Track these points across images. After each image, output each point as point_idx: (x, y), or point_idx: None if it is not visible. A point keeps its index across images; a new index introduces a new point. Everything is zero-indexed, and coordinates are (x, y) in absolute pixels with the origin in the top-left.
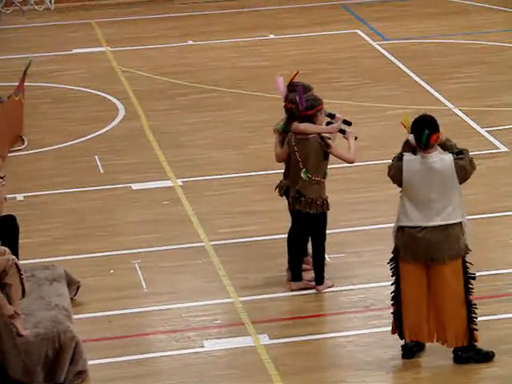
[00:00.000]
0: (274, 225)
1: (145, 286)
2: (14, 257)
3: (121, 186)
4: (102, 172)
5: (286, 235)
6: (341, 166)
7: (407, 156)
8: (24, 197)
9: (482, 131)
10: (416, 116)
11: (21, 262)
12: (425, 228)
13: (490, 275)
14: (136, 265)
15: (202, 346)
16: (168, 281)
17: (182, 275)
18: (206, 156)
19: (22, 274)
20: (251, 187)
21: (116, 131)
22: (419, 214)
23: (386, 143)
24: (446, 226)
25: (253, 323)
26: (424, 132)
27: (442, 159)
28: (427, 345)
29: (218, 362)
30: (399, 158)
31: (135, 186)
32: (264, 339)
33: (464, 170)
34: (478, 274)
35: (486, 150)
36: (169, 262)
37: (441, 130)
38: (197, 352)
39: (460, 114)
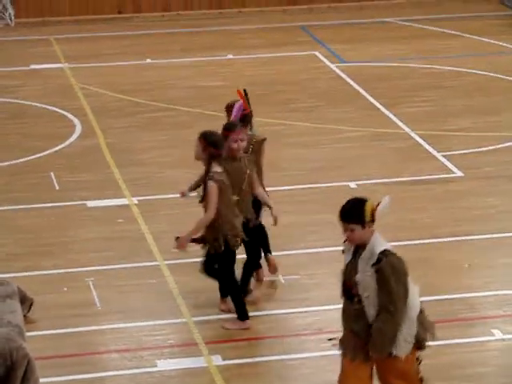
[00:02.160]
0: None
1: (98, 304)
2: None
3: (76, 203)
4: (57, 188)
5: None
6: (296, 187)
7: None
8: None
9: (438, 155)
10: None
11: None
12: None
13: (441, 300)
14: (90, 282)
15: (155, 366)
16: (122, 299)
17: (135, 294)
18: (161, 174)
19: None
20: None
21: (72, 148)
22: None
23: (341, 165)
24: None
25: (206, 343)
26: None
27: None
28: None
29: (171, 381)
30: None
31: (90, 204)
32: (217, 360)
33: None
34: (430, 298)
35: (441, 174)
36: (123, 281)
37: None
38: (149, 372)
39: (416, 137)
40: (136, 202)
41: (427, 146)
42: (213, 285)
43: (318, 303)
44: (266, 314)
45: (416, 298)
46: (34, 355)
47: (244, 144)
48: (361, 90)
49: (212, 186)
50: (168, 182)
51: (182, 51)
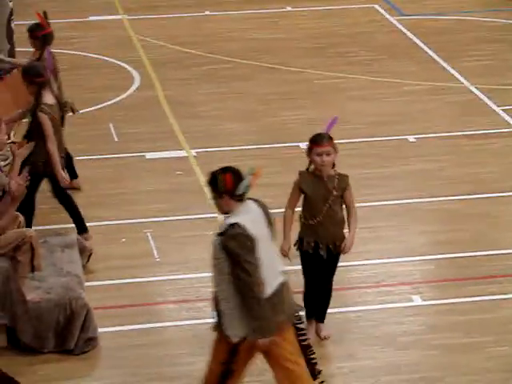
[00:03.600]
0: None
1: (156, 255)
2: (32, 233)
3: (134, 154)
4: (116, 140)
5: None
6: (355, 140)
7: None
8: None
9: (498, 109)
10: None
11: (33, 228)
12: None
13: (501, 254)
14: (148, 234)
15: (213, 317)
16: (180, 251)
17: (193, 245)
18: (220, 127)
19: (34, 253)
20: (264, 159)
21: (131, 100)
22: None
23: (400, 119)
24: None
25: None
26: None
27: None
28: None
29: None
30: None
31: (149, 155)
32: None
33: None
34: (491, 252)
35: (500, 129)
36: (181, 232)
37: None
38: (207, 323)
39: (476, 91)
40: (194, 154)
41: (487, 100)
42: None
43: (377, 256)
44: None
45: (266, 278)
46: (93, 305)
47: (330, 159)
48: (420, 44)
49: (45, 118)
50: (226, 134)
51: (240, 3)
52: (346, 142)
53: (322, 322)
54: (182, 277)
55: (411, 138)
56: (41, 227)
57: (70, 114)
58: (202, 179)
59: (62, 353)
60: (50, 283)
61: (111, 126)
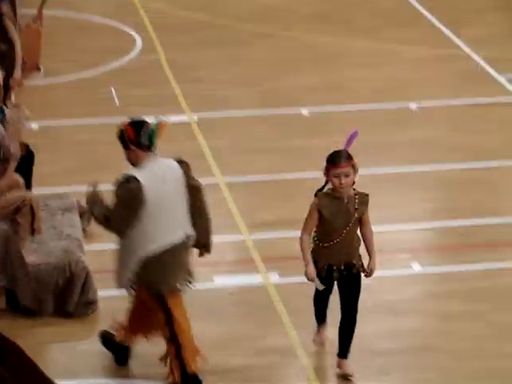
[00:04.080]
0: (288, 163)
1: None
2: (31, 196)
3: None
4: (117, 104)
5: (300, 174)
6: (356, 107)
7: None
8: (38, 126)
9: (501, 78)
10: None
11: (33, 190)
12: None
13: (501, 222)
14: None
15: (212, 281)
16: None
17: None
18: (222, 92)
19: (34, 216)
20: (266, 124)
21: (133, 63)
22: None
23: (402, 85)
24: None
25: (263, 261)
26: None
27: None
28: None
29: (228, 298)
30: None
31: (150, 120)
32: (274, 277)
33: None
34: (490, 221)
35: (503, 97)
36: None
37: None
38: (206, 288)
39: (479, 59)
40: (196, 119)
41: (489, 69)
42: (271, 203)
43: (377, 223)
44: None
45: (156, 236)
46: (93, 268)
47: (349, 180)
48: (424, 11)
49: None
50: (228, 99)
51: None
52: (346, 111)
53: (345, 357)
54: None
55: (413, 106)
56: (40, 189)
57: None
58: (203, 143)
59: (62, 316)
60: (49, 246)
61: (113, 89)
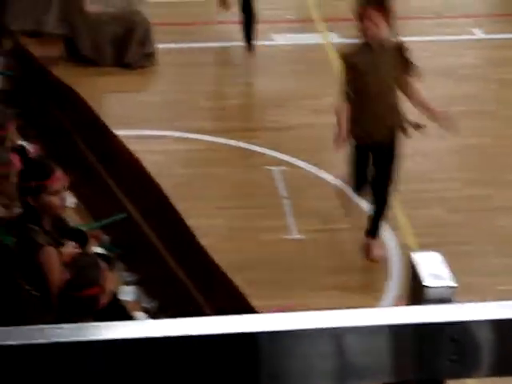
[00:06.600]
0: None
1: None
2: None
3: None
4: None
5: None
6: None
7: None
8: None
9: None
10: None
11: None
12: None
13: None
14: None
15: (272, 40)
16: None
17: None
18: None
19: None
20: None
21: None
22: None
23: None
24: None
25: (323, 21)
26: None
27: None
28: None
29: (286, 56)
30: None
31: None
32: (333, 38)
33: None
34: None
35: None
36: None
37: None
38: (266, 45)
39: None
40: None
41: None
42: None
43: None
44: None
45: None
46: (153, 21)
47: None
48: None
49: None
50: None
51: None
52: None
53: (374, 237)
54: None
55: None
56: None
57: None
58: None
59: (120, 67)
60: None
61: None
